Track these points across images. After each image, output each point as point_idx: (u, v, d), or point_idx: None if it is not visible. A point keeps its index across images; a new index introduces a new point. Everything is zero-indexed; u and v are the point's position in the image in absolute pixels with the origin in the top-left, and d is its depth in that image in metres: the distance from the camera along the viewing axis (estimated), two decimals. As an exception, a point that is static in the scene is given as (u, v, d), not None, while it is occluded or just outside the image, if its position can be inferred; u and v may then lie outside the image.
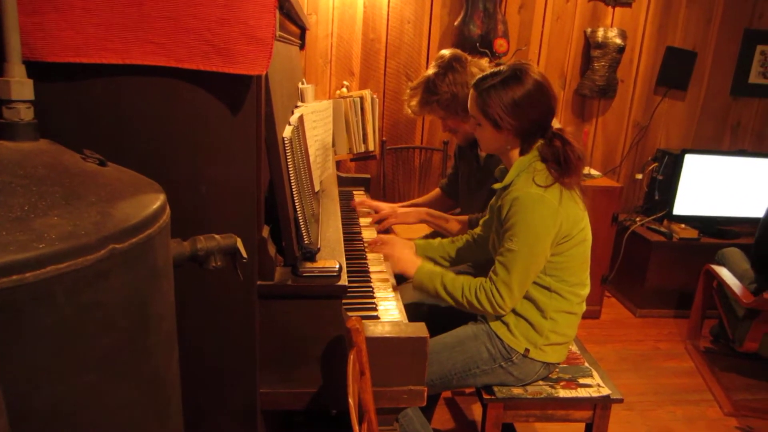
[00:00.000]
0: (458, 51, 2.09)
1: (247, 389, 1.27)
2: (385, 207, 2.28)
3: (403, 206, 2.36)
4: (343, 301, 1.34)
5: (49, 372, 0.60)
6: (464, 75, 1.98)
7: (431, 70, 2.06)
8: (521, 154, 1.66)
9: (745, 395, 2.73)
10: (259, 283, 1.23)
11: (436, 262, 1.96)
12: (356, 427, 0.98)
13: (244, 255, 0.95)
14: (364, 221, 2.25)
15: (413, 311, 1.94)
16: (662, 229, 3.44)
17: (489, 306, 1.60)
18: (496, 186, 1.68)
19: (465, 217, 2.18)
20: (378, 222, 2.22)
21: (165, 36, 1.06)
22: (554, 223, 1.55)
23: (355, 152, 3.19)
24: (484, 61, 2.12)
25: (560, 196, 1.56)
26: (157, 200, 0.75)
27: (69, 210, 0.64)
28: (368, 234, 2.11)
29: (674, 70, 3.64)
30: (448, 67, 2.02)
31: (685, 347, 3.15)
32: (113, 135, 1.10)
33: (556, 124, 1.71)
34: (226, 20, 1.05)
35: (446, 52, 2.09)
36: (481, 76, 1.67)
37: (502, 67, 1.66)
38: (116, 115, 1.09)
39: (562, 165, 1.57)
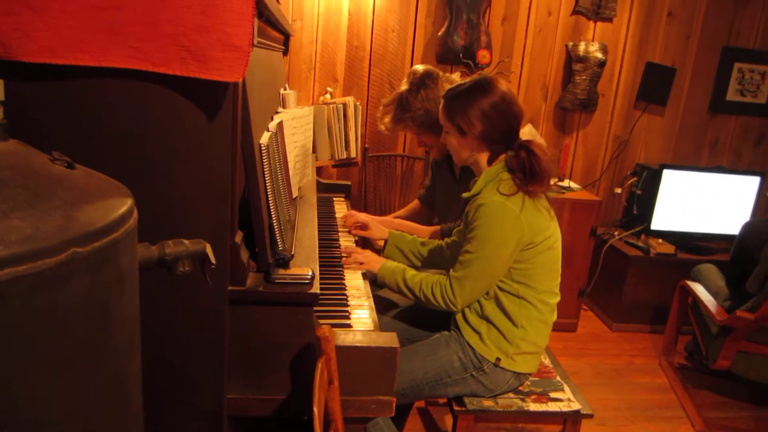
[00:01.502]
0: (431, 67, 2.12)
1: (215, 394, 1.27)
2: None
3: (382, 220, 2.39)
4: (317, 308, 1.35)
5: (4, 374, 0.59)
6: (436, 91, 2.02)
7: (404, 87, 2.09)
8: (489, 164, 1.70)
9: (717, 413, 2.76)
10: (230, 288, 1.23)
11: (405, 255, 2.04)
12: (320, 435, 0.98)
13: (213, 261, 0.95)
14: (342, 229, 2.25)
15: (398, 314, 1.97)
16: (640, 244, 3.48)
17: (442, 301, 1.68)
18: (466, 195, 1.72)
19: (436, 228, 2.21)
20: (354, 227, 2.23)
21: (142, 40, 1.06)
22: (514, 231, 1.60)
23: (336, 158, 3.19)
24: (456, 76, 2.15)
25: (522, 204, 1.60)
26: (123, 205, 0.75)
27: (32, 213, 0.63)
28: (345, 241, 2.11)
29: (654, 86, 3.69)
30: (420, 83, 2.05)
31: (660, 363, 3.17)
32: (88, 137, 1.09)
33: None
34: (204, 27, 1.05)
35: (419, 67, 2.12)
36: (449, 87, 1.74)
37: (468, 79, 1.74)
38: (91, 117, 1.09)
39: (527, 174, 1.62)
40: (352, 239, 2.15)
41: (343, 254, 1.92)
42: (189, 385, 1.25)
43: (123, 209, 0.74)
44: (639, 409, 2.73)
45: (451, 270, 1.68)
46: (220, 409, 1.27)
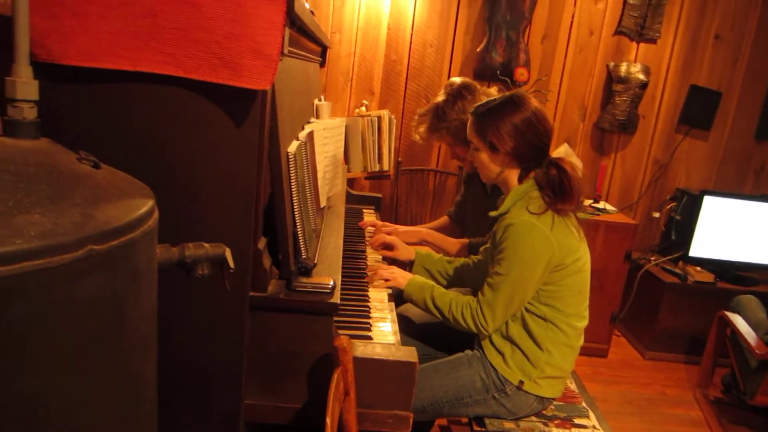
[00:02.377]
0: (468, 80, 2.12)
1: (232, 398, 1.27)
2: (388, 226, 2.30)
3: (409, 230, 2.38)
4: (338, 318, 1.35)
5: (18, 366, 0.61)
6: (473, 103, 2.00)
7: (440, 98, 2.08)
8: (519, 181, 1.68)
9: (752, 450, 2.66)
10: (251, 294, 1.23)
11: (432, 275, 2.00)
12: (330, 446, 0.98)
13: (232, 265, 0.96)
14: (368, 238, 2.25)
15: (419, 328, 1.95)
16: (677, 271, 3.38)
17: (472, 324, 1.64)
18: (493, 213, 1.69)
19: (465, 241, 2.18)
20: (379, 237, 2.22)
21: (175, 47, 1.09)
22: (545, 251, 1.56)
23: (369, 171, 3.20)
24: (494, 90, 2.14)
25: (552, 224, 1.57)
26: (144, 205, 0.76)
27: (52, 209, 0.65)
28: (372, 253, 2.11)
29: (697, 109, 3.60)
30: (457, 95, 2.04)
31: (694, 395, 3.06)
32: (118, 139, 1.12)
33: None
34: (234, 35, 1.07)
35: (457, 79, 2.11)
36: (479, 103, 1.71)
37: (498, 95, 1.71)
38: (122, 119, 1.12)
39: (557, 192, 1.59)
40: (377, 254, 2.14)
41: (368, 272, 1.89)
42: (207, 389, 1.25)
43: (143, 210, 0.75)
44: (670, 442, 2.64)
45: (480, 293, 1.64)
46: (237, 413, 1.28)
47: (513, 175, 1.69)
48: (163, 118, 1.12)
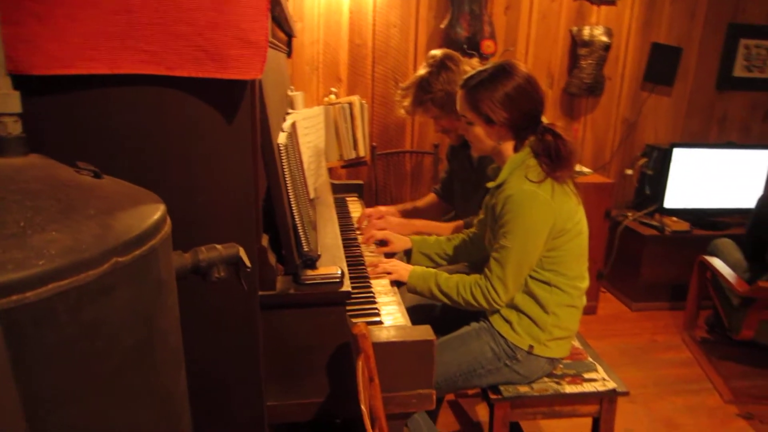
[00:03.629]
0: (449, 50, 2.08)
1: (254, 403, 1.24)
2: (382, 212, 2.25)
3: (403, 210, 2.35)
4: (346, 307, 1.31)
5: (55, 396, 0.57)
6: (458, 74, 1.97)
7: (423, 70, 2.05)
8: (515, 151, 1.66)
9: (743, 382, 2.76)
10: (260, 293, 1.20)
11: (431, 259, 1.98)
12: (370, 430, 0.96)
13: (248, 264, 0.92)
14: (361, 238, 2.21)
15: (412, 315, 1.93)
16: (654, 223, 3.45)
17: (485, 302, 1.62)
18: (490, 184, 1.68)
19: (459, 223, 2.16)
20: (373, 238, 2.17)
21: (154, 43, 1.03)
22: (548, 219, 1.55)
23: (345, 159, 3.16)
24: (475, 61, 2.11)
25: (552, 191, 1.55)
26: (157, 210, 0.72)
27: (67, 224, 0.61)
28: (366, 247, 2.07)
29: (660, 66, 3.66)
30: (441, 65, 2.01)
31: (682, 338, 3.17)
32: (104, 147, 1.06)
33: (545, 120, 1.70)
34: (218, 24, 1.02)
35: (437, 51, 2.07)
36: (467, 75, 1.67)
37: (487, 65, 1.66)
38: (107, 126, 1.05)
39: (554, 159, 1.57)
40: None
41: (369, 266, 1.84)
42: (226, 396, 1.22)
43: (157, 215, 0.71)
44: (666, 384, 2.73)
45: (487, 269, 1.62)
46: (260, 417, 1.25)
47: (509, 145, 1.66)
48: (149, 120, 1.06)
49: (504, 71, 1.60)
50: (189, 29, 1.02)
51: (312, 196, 1.83)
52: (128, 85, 1.04)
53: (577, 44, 3.48)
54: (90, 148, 1.05)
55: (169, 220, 0.75)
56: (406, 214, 2.35)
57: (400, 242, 2.00)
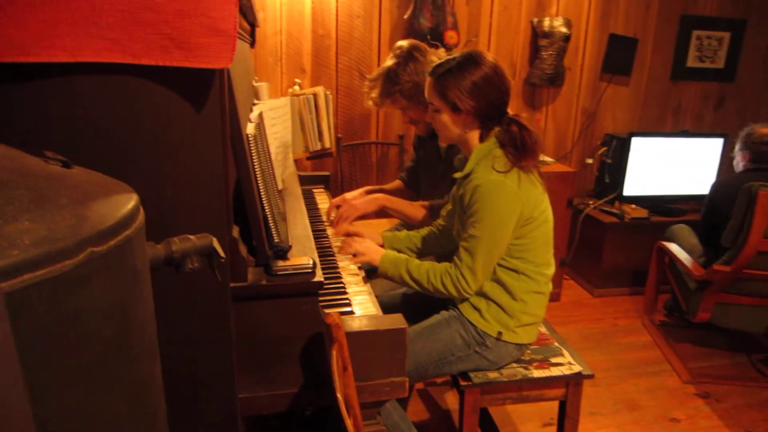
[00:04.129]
0: (415, 41, 2.09)
1: (226, 396, 1.23)
2: (347, 198, 2.24)
3: (367, 191, 2.34)
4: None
5: (31, 388, 0.55)
6: (425, 64, 1.98)
7: (390, 61, 2.05)
8: (480, 141, 1.68)
9: (700, 363, 2.87)
10: (232, 285, 1.19)
11: (402, 253, 1.97)
12: (347, 420, 0.96)
13: (222, 255, 0.91)
14: (327, 220, 2.22)
15: (386, 302, 1.95)
16: (614, 211, 3.54)
17: (454, 290, 1.65)
18: (457, 175, 1.69)
19: (425, 203, 2.17)
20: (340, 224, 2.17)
21: (119, 31, 1.01)
22: (515, 208, 1.58)
23: (311, 150, 3.15)
24: (442, 51, 2.12)
25: (519, 181, 1.58)
26: (130, 200, 0.71)
27: (40, 213, 0.59)
28: (333, 232, 2.08)
29: (617, 57, 3.74)
30: (408, 56, 2.01)
31: (642, 322, 3.27)
32: (69, 138, 1.03)
33: (510, 112, 1.73)
34: (186, 12, 1.00)
35: (404, 42, 2.08)
36: (436, 63, 1.69)
37: (455, 54, 1.68)
38: (71, 116, 1.03)
39: (519, 149, 1.60)
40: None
41: (341, 243, 1.84)
42: (198, 390, 1.21)
43: (131, 205, 0.70)
44: (627, 367, 2.81)
45: (456, 258, 1.64)
46: (232, 410, 1.24)
47: (474, 134, 1.68)
48: (115, 110, 1.04)
49: (472, 60, 1.62)
50: (155, 17, 1.00)
51: (280, 187, 1.82)
52: (93, 74, 1.01)
53: (537, 35, 3.53)
54: (55, 139, 1.02)
55: (142, 211, 0.74)
56: (370, 194, 2.34)
57: (371, 238, 1.99)
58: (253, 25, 2.32)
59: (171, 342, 1.16)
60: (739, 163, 2.85)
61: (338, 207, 2.19)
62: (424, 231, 1.99)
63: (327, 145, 3.17)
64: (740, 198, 2.37)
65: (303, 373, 1.30)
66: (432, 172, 2.24)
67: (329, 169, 3.45)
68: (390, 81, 2.02)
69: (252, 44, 2.44)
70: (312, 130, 3.10)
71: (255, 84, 2.07)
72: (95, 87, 1.02)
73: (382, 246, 1.94)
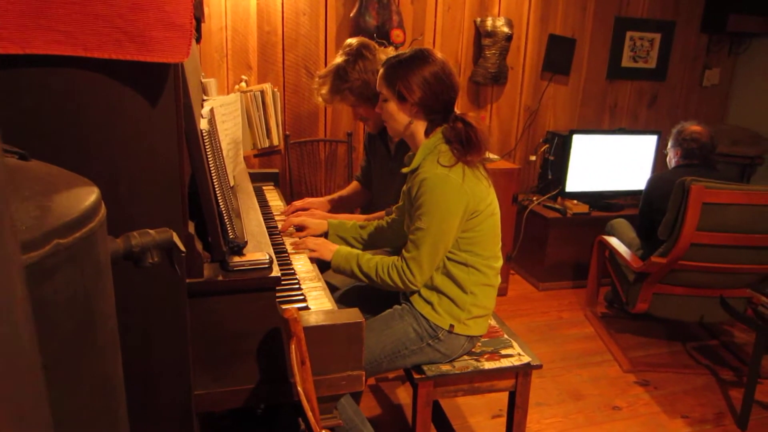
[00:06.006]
0: (365, 39, 2.11)
1: (181, 393, 1.22)
2: (314, 204, 2.27)
3: (330, 200, 2.37)
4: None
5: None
6: (374, 62, 2.01)
7: (340, 58, 2.06)
8: (426, 136, 1.72)
9: (639, 353, 3.00)
10: (188, 280, 1.18)
11: (347, 242, 2.02)
12: (309, 413, 0.98)
13: (182, 249, 0.91)
14: (279, 216, 2.22)
15: (339, 296, 1.97)
16: (557, 206, 3.67)
17: (401, 282, 1.68)
18: (405, 170, 1.73)
19: (381, 213, 2.20)
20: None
21: (71, 23, 0.99)
22: (461, 201, 1.62)
23: (259, 147, 3.12)
24: (391, 50, 2.16)
25: (463, 175, 1.63)
26: (92, 193, 0.70)
27: (3, 206, 0.58)
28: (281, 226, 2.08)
29: (557, 57, 3.88)
30: (357, 54, 2.03)
31: (585, 314, 3.39)
32: (20, 131, 1.00)
33: (457, 111, 1.78)
34: (140, 6, 0.99)
35: (353, 40, 2.10)
36: (390, 56, 1.74)
37: (407, 50, 1.73)
38: (21, 110, 1.00)
39: (465, 145, 1.65)
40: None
41: (296, 242, 1.87)
42: (153, 386, 1.19)
43: (93, 198, 0.69)
44: (572, 358, 2.92)
45: (404, 251, 1.68)
46: (187, 406, 1.23)
47: (420, 128, 1.72)
48: (67, 103, 1.01)
49: (422, 56, 1.68)
50: (108, 10, 0.98)
51: (232, 183, 1.81)
52: (43, 66, 0.98)
53: (481, 35, 3.62)
54: (5, 132, 0.99)
55: (103, 204, 0.74)
56: (334, 203, 2.37)
57: (317, 226, 2.02)
58: (198, 19, 2.29)
59: (126, 337, 1.14)
60: (671, 159, 3.00)
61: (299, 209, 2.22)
62: (373, 225, 2.02)
63: (275, 142, 3.16)
64: (674, 193, 2.49)
65: (259, 369, 1.30)
66: (382, 171, 2.27)
67: (277, 167, 3.42)
68: (339, 78, 2.04)
69: (198, 39, 2.40)
70: (260, 127, 3.08)
71: (203, 80, 2.05)
72: (45, 80, 1.00)
73: (326, 233, 1.99)
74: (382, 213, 2.20)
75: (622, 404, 2.55)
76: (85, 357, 0.65)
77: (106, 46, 1.01)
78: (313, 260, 1.80)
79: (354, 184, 2.51)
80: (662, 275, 2.63)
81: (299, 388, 1.03)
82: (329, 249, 1.81)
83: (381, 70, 1.73)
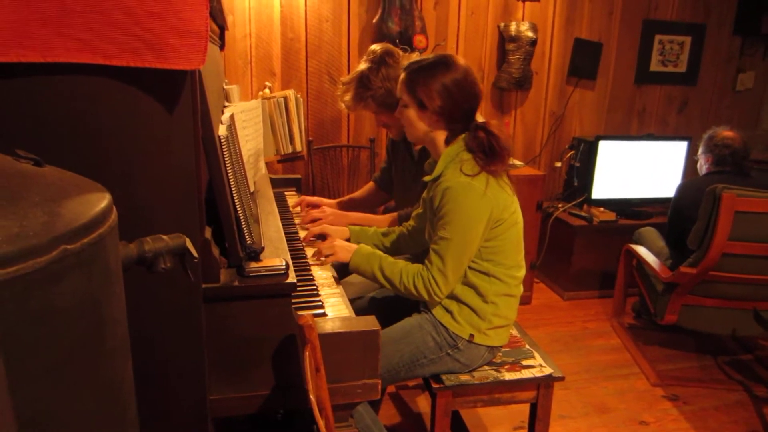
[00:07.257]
0: (389, 45, 2.11)
1: (197, 398, 1.22)
2: (325, 203, 2.27)
3: (339, 202, 2.37)
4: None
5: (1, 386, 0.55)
6: (397, 70, 2.00)
7: (364, 65, 2.06)
8: (446, 144, 1.70)
9: (668, 365, 2.91)
10: (204, 286, 1.18)
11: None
12: (320, 421, 0.97)
13: (195, 255, 0.91)
14: (297, 219, 2.22)
15: (355, 306, 1.95)
16: (583, 214, 3.61)
17: (426, 293, 1.65)
18: (427, 178, 1.71)
19: (394, 215, 2.19)
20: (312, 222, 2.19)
21: (90, 31, 1.00)
22: (484, 210, 1.60)
23: (282, 153, 3.14)
24: (415, 56, 2.14)
25: (487, 184, 1.60)
26: (104, 199, 0.71)
27: (13, 210, 0.59)
28: (304, 234, 2.08)
29: (583, 61, 3.83)
30: (380, 62, 2.03)
31: (611, 325, 3.31)
32: (40, 138, 1.02)
33: (480, 118, 1.76)
34: (156, 13, 1.00)
35: (377, 47, 2.09)
36: (412, 60, 1.72)
37: (430, 55, 1.71)
38: (41, 116, 1.02)
39: (488, 154, 1.62)
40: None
41: (313, 255, 1.85)
42: (169, 391, 1.20)
43: (104, 203, 0.70)
44: (597, 370, 2.84)
45: (427, 261, 1.65)
46: (203, 411, 1.23)
47: (440, 136, 1.70)
48: (87, 110, 1.03)
49: (444, 63, 1.65)
50: (126, 18, 1.00)
51: (252, 189, 1.82)
52: (64, 74, 1.00)
53: (504, 40, 3.59)
54: (25, 138, 1.01)
55: (115, 210, 0.74)
56: (343, 206, 2.36)
57: (338, 233, 2.00)
58: (222, 27, 2.31)
59: (142, 342, 1.15)
60: (702, 166, 2.92)
61: (311, 206, 2.21)
62: (393, 234, 2.00)
63: (298, 148, 3.17)
64: (705, 201, 2.42)
65: (274, 375, 1.29)
66: (404, 175, 2.26)
67: (300, 172, 3.44)
68: (363, 86, 2.04)
69: (221, 47, 2.43)
70: (283, 133, 3.09)
71: (225, 87, 2.07)
72: (66, 87, 1.01)
73: (348, 240, 1.96)
74: (395, 215, 2.19)
75: (649, 419, 2.47)
76: (92, 362, 0.66)
77: (124, 54, 1.02)
78: (333, 266, 1.79)
79: (370, 185, 2.50)
80: (692, 286, 2.55)
81: (311, 396, 1.02)
82: (347, 249, 1.78)
83: (402, 75, 1.71)
